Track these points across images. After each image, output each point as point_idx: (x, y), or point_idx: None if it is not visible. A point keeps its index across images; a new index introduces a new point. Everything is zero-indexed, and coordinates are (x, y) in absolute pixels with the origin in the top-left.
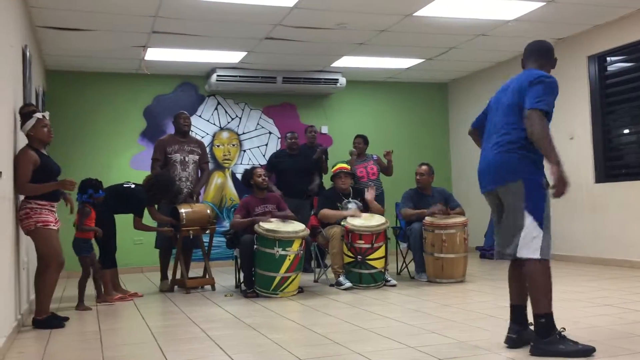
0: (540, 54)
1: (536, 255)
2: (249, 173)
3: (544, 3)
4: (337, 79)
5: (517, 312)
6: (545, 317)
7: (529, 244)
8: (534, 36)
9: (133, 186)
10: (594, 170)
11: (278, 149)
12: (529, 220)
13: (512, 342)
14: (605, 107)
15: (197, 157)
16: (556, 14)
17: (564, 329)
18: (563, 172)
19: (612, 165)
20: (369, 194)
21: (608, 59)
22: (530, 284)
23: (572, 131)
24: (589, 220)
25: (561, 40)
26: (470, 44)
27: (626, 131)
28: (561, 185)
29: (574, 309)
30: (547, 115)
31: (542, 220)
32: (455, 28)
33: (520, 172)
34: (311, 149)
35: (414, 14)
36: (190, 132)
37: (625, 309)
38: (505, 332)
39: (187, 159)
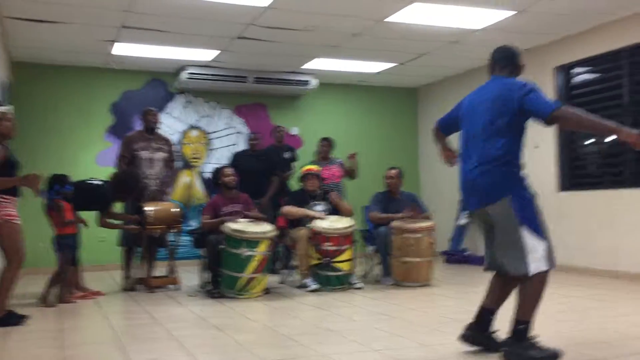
0: (509, 61)
1: (543, 267)
2: (217, 172)
3: (514, 13)
4: (309, 81)
5: (485, 315)
6: (527, 324)
7: (538, 259)
8: (504, 44)
9: (98, 182)
10: (558, 179)
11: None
12: (527, 235)
13: (466, 338)
14: None
15: (164, 155)
16: (525, 24)
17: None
18: (626, 129)
19: (575, 174)
20: (333, 196)
21: (574, 70)
22: (526, 291)
23: (537, 140)
24: (553, 228)
25: (529, 50)
26: (440, 50)
27: (589, 141)
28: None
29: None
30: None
31: (539, 229)
32: (427, 35)
33: (507, 189)
34: (279, 148)
35: (387, 20)
36: (158, 129)
37: (586, 316)
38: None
39: (154, 156)
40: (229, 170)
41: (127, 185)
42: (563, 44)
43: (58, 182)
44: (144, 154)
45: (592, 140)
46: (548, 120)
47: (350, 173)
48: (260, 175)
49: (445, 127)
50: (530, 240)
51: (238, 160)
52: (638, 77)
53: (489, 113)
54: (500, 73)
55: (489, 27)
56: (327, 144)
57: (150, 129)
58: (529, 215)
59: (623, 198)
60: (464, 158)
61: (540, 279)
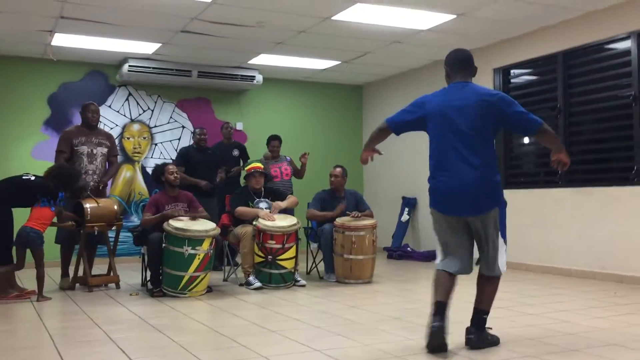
0: (467, 64)
1: (504, 268)
2: (160, 169)
3: (455, 16)
4: (254, 76)
5: (479, 315)
6: (488, 314)
7: (503, 262)
8: (446, 45)
9: (33, 178)
10: None
11: (191, 143)
12: (501, 241)
13: (472, 343)
14: None
15: (105, 149)
16: (466, 27)
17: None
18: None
19: (512, 173)
20: (276, 207)
21: (512, 71)
22: (492, 288)
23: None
24: None
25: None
26: (385, 49)
27: (526, 140)
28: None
29: (471, 311)
30: None
31: (505, 235)
32: (372, 34)
33: (497, 199)
34: (228, 146)
35: (333, 18)
36: (99, 123)
37: (518, 312)
38: (409, 335)
39: (94, 151)
40: (172, 168)
41: (64, 179)
42: (502, 46)
43: (50, 194)
44: (84, 148)
45: (528, 140)
46: (533, 134)
47: (298, 172)
48: (207, 171)
49: (401, 128)
50: (502, 246)
51: (185, 156)
52: (571, 81)
53: (477, 120)
54: (466, 78)
55: (431, 28)
56: (277, 143)
57: (90, 126)
58: (504, 224)
59: (555, 197)
60: (445, 163)
61: (500, 278)
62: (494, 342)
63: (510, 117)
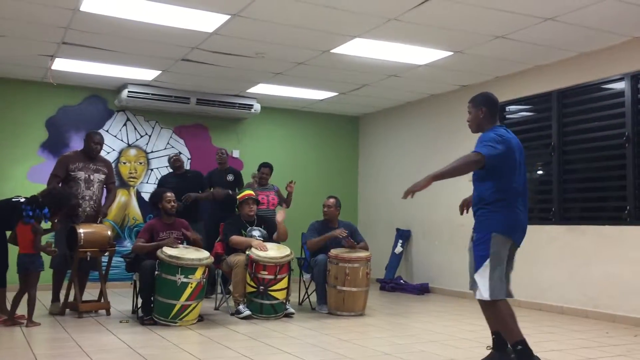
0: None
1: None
2: (157, 195)
3: (452, 53)
4: (252, 105)
5: (500, 338)
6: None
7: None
8: (442, 80)
9: (22, 200)
10: None
11: (187, 168)
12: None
13: None
14: None
15: (103, 176)
16: (462, 63)
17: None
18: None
19: None
20: (280, 216)
21: (507, 108)
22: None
23: (471, 174)
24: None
25: (466, 87)
26: (382, 82)
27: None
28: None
29: (464, 348)
30: None
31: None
32: (370, 67)
33: None
34: (223, 171)
35: (332, 51)
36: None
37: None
38: None
39: (92, 177)
40: (170, 196)
41: (55, 200)
42: (498, 83)
43: (36, 203)
44: (82, 174)
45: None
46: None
47: (284, 201)
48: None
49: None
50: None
51: (163, 183)
52: (566, 119)
53: (524, 165)
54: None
55: (428, 64)
56: (268, 170)
57: (92, 154)
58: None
59: (549, 233)
60: (522, 201)
61: (489, 303)
62: None
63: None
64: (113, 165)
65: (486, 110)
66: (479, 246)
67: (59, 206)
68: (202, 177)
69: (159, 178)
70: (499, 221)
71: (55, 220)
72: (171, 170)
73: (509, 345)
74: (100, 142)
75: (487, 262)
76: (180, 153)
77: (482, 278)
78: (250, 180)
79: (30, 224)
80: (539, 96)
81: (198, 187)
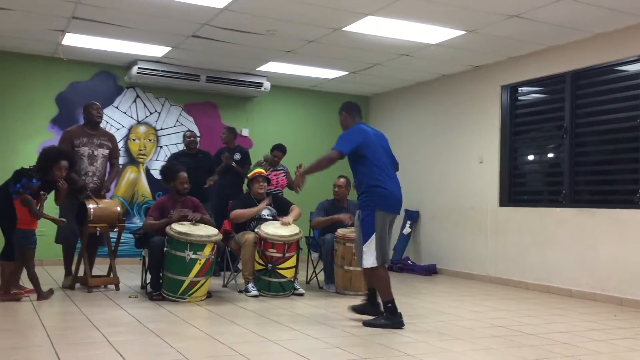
0: (360, 112)
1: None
2: (172, 174)
3: (464, 32)
4: (262, 83)
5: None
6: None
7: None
8: (454, 60)
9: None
10: (499, 194)
11: (199, 149)
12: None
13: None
14: (513, 135)
15: (107, 151)
16: (475, 43)
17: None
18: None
19: (516, 190)
20: (287, 219)
21: (520, 89)
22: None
23: (481, 155)
24: (491, 241)
25: (478, 68)
26: (393, 62)
27: (530, 157)
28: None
29: (471, 328)
30: None
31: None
32: (381, 46)
33: None
34: (231, 150)
35: (343, 29)
36: (100, 123)
37: (517, 332)
38: (406, 349)
39: (95, 152)
40: (185, 177)
41: (47, 159)
42: (511, 64)
43: (26, 175)
44: (85, 150)
45: (533, 157)
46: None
47: (292, 184)
48: (197, 175)
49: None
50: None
51: (176, 160)
52: (579, 101)
53: (389, 151)
54: (361, 121)
55: (440, 43)
56: (280, 154)
57: (93, 123)
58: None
59: (559, 216)
60: (392, 176)
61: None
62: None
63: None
64: (122, 142)
65: (345, 114)
66: (365, 223)
67: (51, 164)
68: (212, 158)
69: (168, 156)
70: (379, 200)
71: (60, 185)
72: (183, 148)
73: (379, 300)
74: (100, 109)
75: (373, 236)
76: (197, 135)
77: (369, 249)
78: (261, 159)
79: (17, 198)
80: (552, 77)
81: (208, 168)
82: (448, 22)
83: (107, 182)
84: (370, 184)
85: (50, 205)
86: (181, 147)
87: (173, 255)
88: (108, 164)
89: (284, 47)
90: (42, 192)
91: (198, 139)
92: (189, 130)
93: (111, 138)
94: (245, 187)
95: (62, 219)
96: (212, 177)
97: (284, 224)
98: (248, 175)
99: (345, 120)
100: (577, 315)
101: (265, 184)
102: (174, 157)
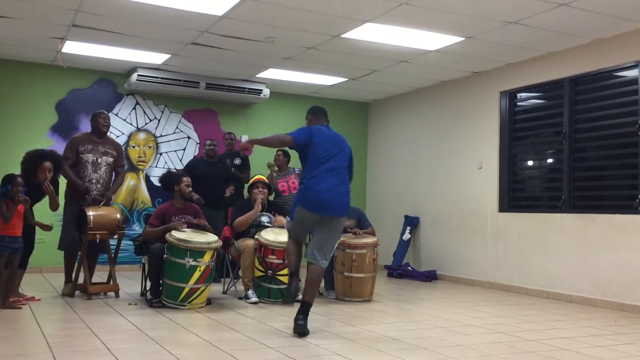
0: (325, 115)
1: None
2: (175, 178)
3: (463, 39)
4: (261, 90)
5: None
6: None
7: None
8: (453, 67)
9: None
10: (498, 199)
11: (196, 154)
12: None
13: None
14: (512, 140)
15: (111, 159)
16: (474, 49)
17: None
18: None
19: (515, 196)
20: (279, 222)
21: (519, 95)
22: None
23: (481, 161)
24: (491, 247)
25: (477, 74)
26: (392, 68)
27: (530, 163)
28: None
29: (471, 334)
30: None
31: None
32: (380, 52)
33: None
34: (230, 156)
35: (342, 36)
36: (108, 133)
37: (517, 337)
38: (405, 356)
39: (99, 160)
40: (189, 180)
41: (28, 161)
42: (509, 69)
43: (10, 182)
44: (89, 157)
45: (532, 163)
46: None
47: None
48: (214, 184)
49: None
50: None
51: (191, 167)
52: (577, 107)
53: (347, 155)
54: (325, 123)
55: (439, 49)
56: (282, 154)
57: (100, 132)
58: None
59: (558, 222)
60: (329, 177)
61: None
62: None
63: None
64: (122, 148)
65: (311, 117)
66: (291, 213)
67: (34, 166)
68: (230, 169)
69: (186, 162)
70: (300, 195)
71: (45, 187)
72: (202, 156)
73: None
74: (108, 118)
75: (289, 223)
76: (216, 145)
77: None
78: (265, 167)
79: None
80: (551, 83)
81: (224, 178)
82: (447, 29)
83: (110, 191)
84: (302, 179)
85: (47, 212)
86: (181, 154)
87: (173, 262)
88: (113, 172)
89: (283, 54)
90: (24, 197)
91: (217, 147)
92: (209, 140)
93: (117, 147)
94: (246, 194)
95: (49, 224)
96: (231, 187)
97: (279, 223)
98: (248, 182)
99: (310, 123)
100: (578, 320)
101: (266, 190)
102: (191, 163)
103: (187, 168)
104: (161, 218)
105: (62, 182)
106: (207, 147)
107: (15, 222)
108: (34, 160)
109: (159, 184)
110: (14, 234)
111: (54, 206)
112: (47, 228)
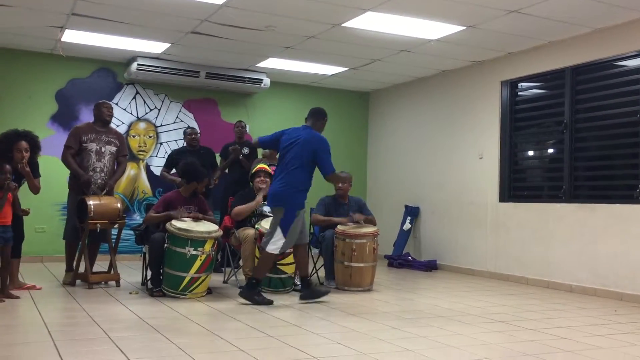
0: (317, 116)
1: (277, 251)
2: (200, 177)
3: (464, 27)
4: (262, 79)
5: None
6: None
7: (275, 242)
8: (454, 56)
9: None
10: (499, 189)
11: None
12: (279, 230)
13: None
14: (513, 130)
15: (114, 148)
16: (475, 38)
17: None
18: None
19: (516, 186)
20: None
21: (520, 84)
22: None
23: (481, 150)
24: (491, 237)
25: (478, 64)
26: (393, 58)
27: (530, 153)
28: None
29: (470, 323)
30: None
31: (287, 231)
32: (381, 42)
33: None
34: (240, 144)
35: (343, 25)
36: (110, 123)
37: (517, 327)
38: (406, 345)
39: (103, 149)
40: (206, 182)
41: (7, 141)
42: (510, 59)
43: None
44: (93, 146)
45: (533, 152)
46: (328, 176)
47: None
48: None
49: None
50: (278, 233)
51: (175, 157)
52: (579, 96)
53: (301, 151)
54: (309, 124)
55: (440, 39)
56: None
57: (103, 122)
58: (287, 220)
59: (559, 211)
60: (277, 174)
61: (272, 257)
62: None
63: (318, 157)
64: (125, 138)
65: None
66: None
67: (9, 147)
68: (214, 154)
69: (168, 152)
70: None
71: (21, 168)
72: (184, 145)
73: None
74: (111, 108)
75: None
76: (198, 132)
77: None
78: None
79: None
80: (552, 73)
81: (209, 164)
82: (448, 18)
83: (112, 180)
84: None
85: (48, 200)
86: (181, 143)
87: (173, 251)
88: (116, 162)
89: (283, 43)
90: (14, 184)
91: (199, 135)
92: (189, 127)
93: (119, 137)
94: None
95: (26, 208)
96: (216, 175)
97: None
98: (252, 171)
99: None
100: (577, 310)
101: (268, 179)
102: (176, 154)
103: (168, 159)
104: (166, 207)
105: (49, 166)
106: (188, 137)
107: (6, 211)
108: (9, 139)
109: (180, 171)
110: (5, 223)
111: (33, 189)
112: (24, 213)
